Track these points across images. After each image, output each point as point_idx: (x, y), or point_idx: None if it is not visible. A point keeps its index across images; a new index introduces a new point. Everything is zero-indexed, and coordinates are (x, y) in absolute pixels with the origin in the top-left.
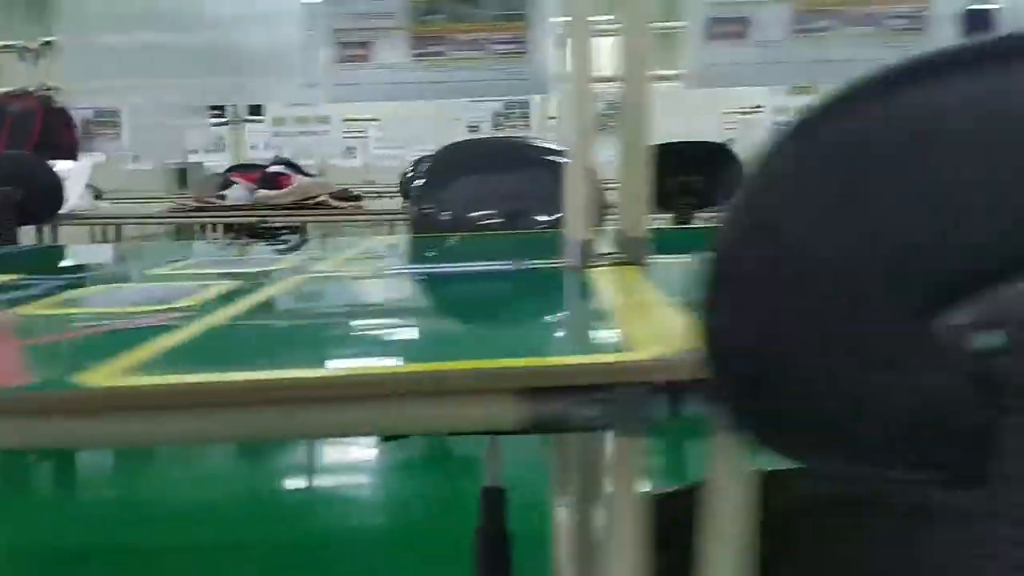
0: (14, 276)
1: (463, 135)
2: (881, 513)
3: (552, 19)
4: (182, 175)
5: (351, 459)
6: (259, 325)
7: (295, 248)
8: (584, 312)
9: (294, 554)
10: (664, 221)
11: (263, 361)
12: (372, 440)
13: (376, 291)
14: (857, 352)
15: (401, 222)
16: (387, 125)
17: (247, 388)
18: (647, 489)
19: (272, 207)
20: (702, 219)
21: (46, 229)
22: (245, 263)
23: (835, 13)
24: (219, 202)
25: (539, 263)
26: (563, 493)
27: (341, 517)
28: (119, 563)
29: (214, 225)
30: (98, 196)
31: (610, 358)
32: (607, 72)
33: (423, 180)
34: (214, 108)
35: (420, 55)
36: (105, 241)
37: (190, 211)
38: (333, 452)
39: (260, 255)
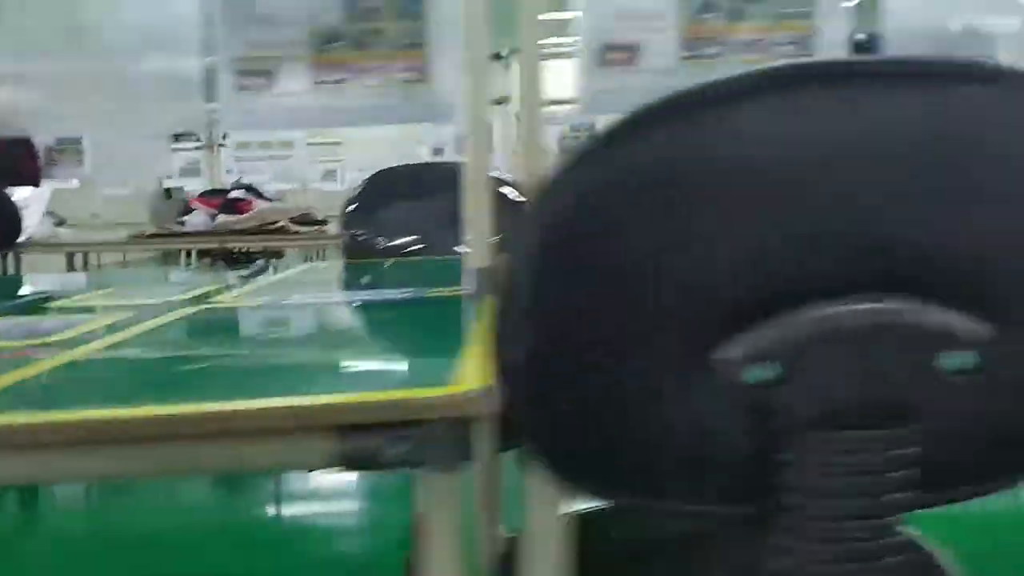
0: None
1: (428, 158)
2: (702, 551)
3: (453, 47)
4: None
5: (312, 488)
6: (113, 360)
7: (250, 274)
8: (438, 345)
9: None
10: None
11: (95, 398)
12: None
13: (251, 324)
14: (641, 387)
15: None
16: (350, 148)
17: (43, 428)
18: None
19: (232, 232)
20: None
21: (10, 257)
22: (157, 293)
23: (722, 40)
24: (178, 228)
25: (441, 291)
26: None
27: (307, 546)
28: None
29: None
30: (59, 223)
31: (423, 394)
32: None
33: (355, 205)
34: (186, 134)
35: (322, 83)
36: (72, 269)
37: (147, 237)
38: (297, 481)
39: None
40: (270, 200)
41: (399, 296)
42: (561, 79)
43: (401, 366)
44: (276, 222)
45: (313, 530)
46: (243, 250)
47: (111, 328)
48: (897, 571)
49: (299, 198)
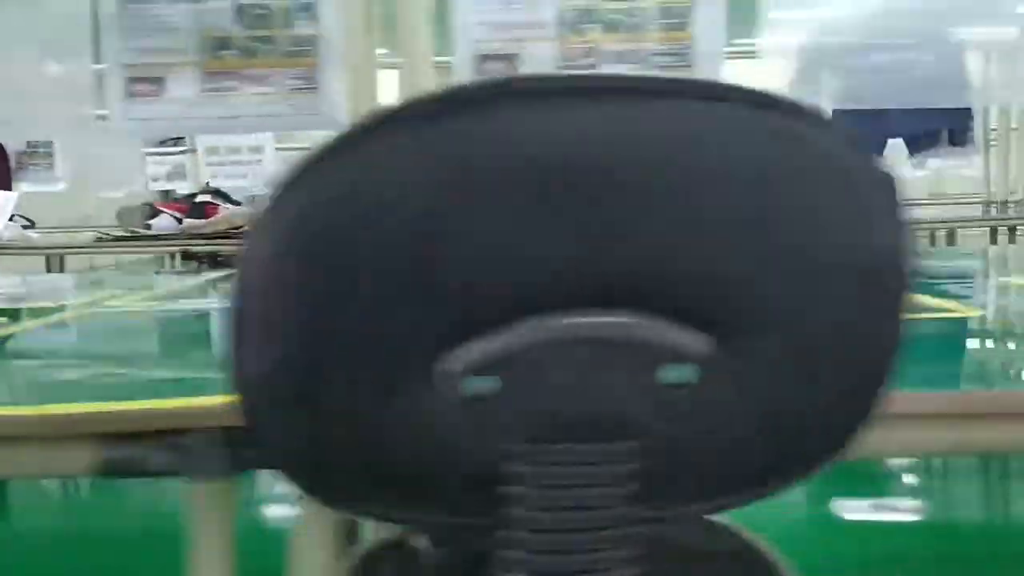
0: None
1: None
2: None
3: (341, 56)
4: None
5: None
6: None
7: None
8: None
9: None
10: None
11: None
12: None
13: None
14: (375, 399)
15: None
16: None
17: None
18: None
19: (197, 236)
20: None
21: None
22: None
23: (599, 51)
24: (144, 232)
25: None
26: None
27: None
28: None
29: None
30: (28, 226)
31: (185, 404)
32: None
33: None
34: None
35: (212, 90)
36: (49, 271)
37: (112, 241)
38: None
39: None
40: (238, 204)
41: None
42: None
43: (193, 374)
44: (242, 226)
45: None
46: (214, 254)
47: None
48: None
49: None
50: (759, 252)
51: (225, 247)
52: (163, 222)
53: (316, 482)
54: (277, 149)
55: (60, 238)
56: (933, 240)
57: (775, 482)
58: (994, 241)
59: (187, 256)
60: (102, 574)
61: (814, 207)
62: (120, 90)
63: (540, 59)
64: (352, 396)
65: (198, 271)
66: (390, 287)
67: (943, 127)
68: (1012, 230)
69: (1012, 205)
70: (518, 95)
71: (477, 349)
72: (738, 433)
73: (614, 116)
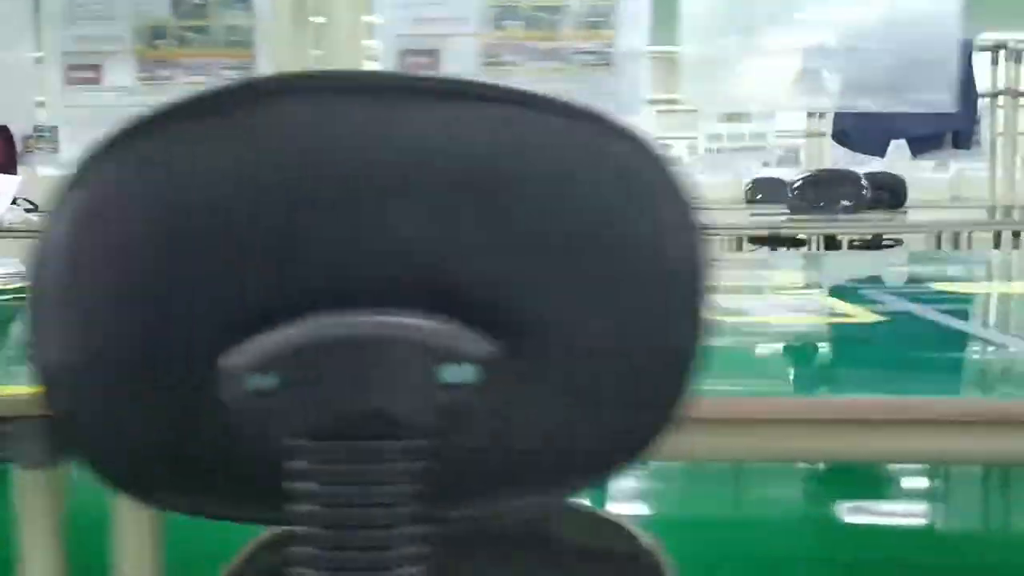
0: None
1: None
2: None
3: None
4: None
5: None
6: None
7: None
8: None
9: None
10: None
11: None
12: None
13: None
14: (169, 394)
15: None
16: None
17: None
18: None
19: None
20: None
21: None
22: None
23: (522, 48)
24: None
25: None
26: None
27: None
28: None
29: None
30: (31, 210)
31: (8, 391)
32: None
33: None
34: None
35: (148, 78)
36: None
37: None
38: None
39: None
40: None
41: None
42: None
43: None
44: None
45: None
46: None
47: None
48: None
49: None
50: (546, 258)
51: None
52: None
53: (121, 475)
54: None
55: None
56: (939, 243)
57: (564, 484)
58: (997, 246)
59: None
60: None
61: (607, 217)
62: (59, 77)
63: (462, 54)
64: (147, 390)
65: None
66: (175, 282)
67: (948, 129)
68: (1016, 235)
69: (1017, 210)
70: (299, 92)
71: (257, 345)
72: (523, 434)
73: (397, 116)
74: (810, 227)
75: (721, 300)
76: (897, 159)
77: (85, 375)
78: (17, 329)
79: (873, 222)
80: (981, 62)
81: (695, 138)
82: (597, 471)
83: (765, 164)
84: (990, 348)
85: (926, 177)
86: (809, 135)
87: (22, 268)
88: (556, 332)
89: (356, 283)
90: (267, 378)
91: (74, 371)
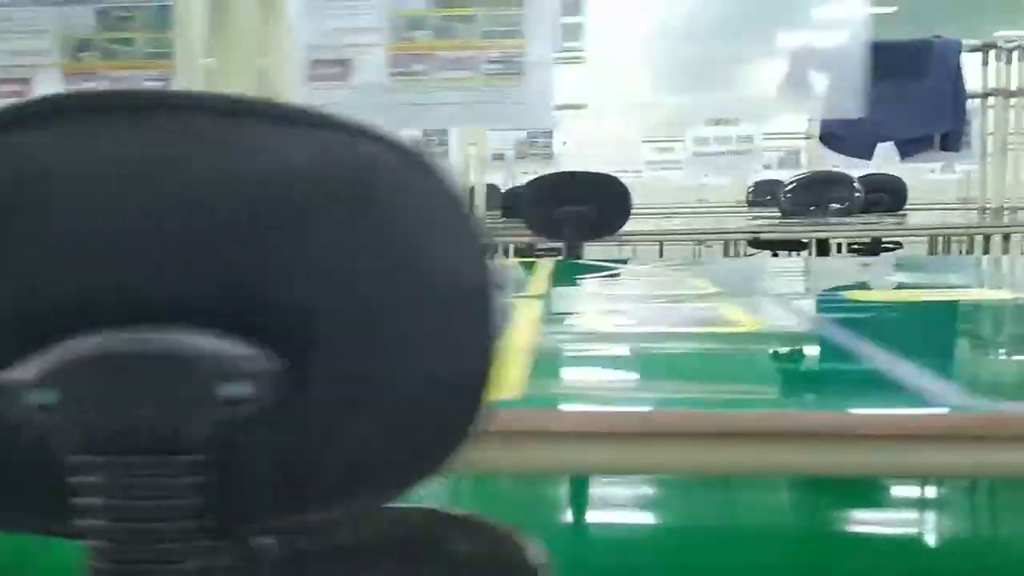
0: None
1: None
2: None
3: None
4: None
5: None
6: None
7: None
8: None
9: None
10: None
11: None
12: None
13: None
14: None
15: None
16: None
17: None
18: None
19: None
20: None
21: None
22: None
23: (429, 58)
24: None
25: None
26: None
27: None
28: None
29: None
30: None
31: None
32: None
33: None
34: None
35: (74, 91)
36: None
37: None
38: None
39: None
40: None
41: None
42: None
43: None
44: None
45: None
46: None
47: None
48: None
49: None
50: (338, 280)
51: None
52: None
53: None
54: None
55: None
56: (933, 248)
57: (353, 499)
58: (987, 250)
59: None
60: None
61: (401, 240)
62: None
63: (371, 64)
64: None
65: None
66: None
67: (936, 131)
68: (1006, 238)
69: (1007, 212)
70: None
71: (34, 361)
72: (315, 449)
73: (192, 135)
74: (798, 230)
75: (606, 307)
76: (906, 161)
77: None
78: None
79: (855, 225)
80: (970, 62)
81: (682, 140)
82: (397, 485)
83: (766, 167)
84: (841, 359)
85: (934, 179)
86: (809, 137)
87: None
88: (341, 349)
89: (147, 301)
90: (46, 393)
91: None
